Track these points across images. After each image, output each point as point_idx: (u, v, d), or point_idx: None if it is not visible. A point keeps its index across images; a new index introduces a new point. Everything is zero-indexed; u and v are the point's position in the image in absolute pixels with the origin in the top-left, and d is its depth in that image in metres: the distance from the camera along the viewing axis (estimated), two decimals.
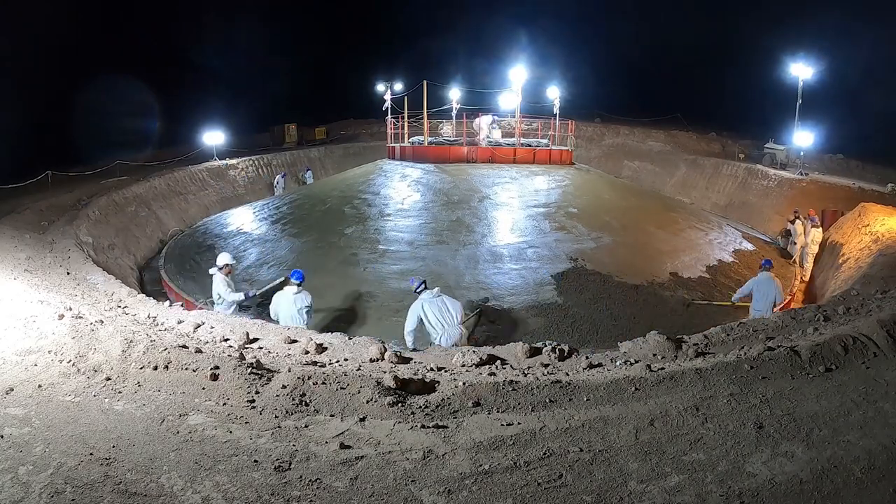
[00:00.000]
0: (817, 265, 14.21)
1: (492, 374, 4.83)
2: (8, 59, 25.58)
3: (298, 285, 7.70)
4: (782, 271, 12.73)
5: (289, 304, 7.67)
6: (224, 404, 4.17)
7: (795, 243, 14.81)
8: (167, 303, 8.50)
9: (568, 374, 4.71)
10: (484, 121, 18.32)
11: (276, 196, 20.54)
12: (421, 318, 7.28)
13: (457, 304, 7.47)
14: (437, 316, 7.23)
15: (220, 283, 8.64)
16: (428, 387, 4.41)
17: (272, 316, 7.83)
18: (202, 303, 10.03)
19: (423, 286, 7.56)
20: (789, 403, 4.02)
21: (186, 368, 4.56)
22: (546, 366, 5.13)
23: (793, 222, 15.30)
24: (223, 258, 8.89)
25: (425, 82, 18.81)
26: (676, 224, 14.41)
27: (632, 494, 3.11)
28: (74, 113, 25.56)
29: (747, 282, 9.47)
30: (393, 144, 18.84)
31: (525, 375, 4.73)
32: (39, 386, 4.41)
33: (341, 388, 4.21)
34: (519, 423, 3.87)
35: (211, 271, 8.84)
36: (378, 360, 5.38)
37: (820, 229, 14.50)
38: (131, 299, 8.12)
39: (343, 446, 3.59)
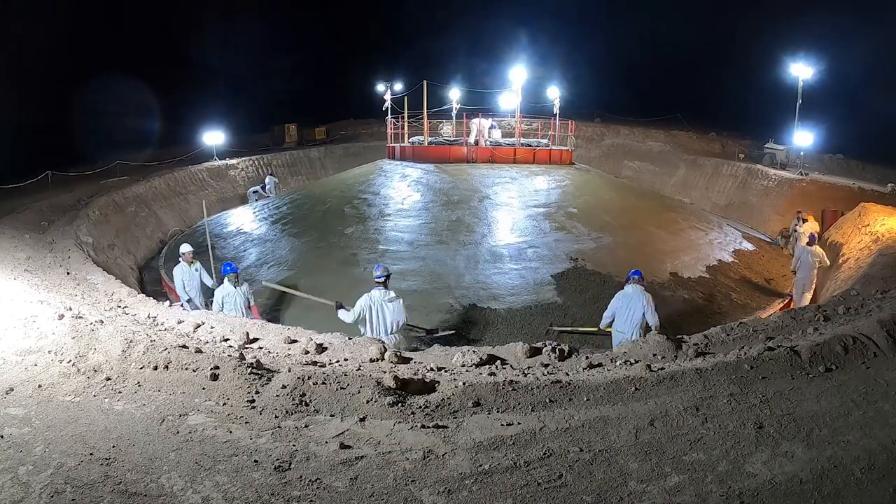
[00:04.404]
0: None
1: (492, 374, 4.83)
2: (8, 59, 25.61)
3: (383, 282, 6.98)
4: (785, 281, 12.64)
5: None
6: (224, 404, 4.17)
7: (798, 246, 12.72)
8: (167, 303, 8.51)
9: (568, 374, 4.71)
10: (484, 123, 18.27)
11: (269, 199, 19.29)
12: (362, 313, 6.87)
13: (401, 316, 6.98)
14: (375, 319, 6.87)
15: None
16: (428, 387, 4.41)
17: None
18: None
19: (384, 279, 6.94)
20: (789, 403, 4.02)
21: (186, 368, 4.56)
22: (546, 366, 5.14)
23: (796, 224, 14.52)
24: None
25: (425, 82, 18.80)
26: (676, 224, 14.40)
27: (632, 494, 3.11)
28: (74, 113, 25.58)
29: (612, 300, 7.88)
30: (393, 144, 18.83)
31: (525, 375, 4.73)
32: (39, 386, 4.41)
33: (341, 388, 4.21)
34: (519, 423, 3.86)
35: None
36: (378, 360, 5.38)
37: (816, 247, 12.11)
38: (131, 299, 8.13)
39: (343, 446, 3.59)
